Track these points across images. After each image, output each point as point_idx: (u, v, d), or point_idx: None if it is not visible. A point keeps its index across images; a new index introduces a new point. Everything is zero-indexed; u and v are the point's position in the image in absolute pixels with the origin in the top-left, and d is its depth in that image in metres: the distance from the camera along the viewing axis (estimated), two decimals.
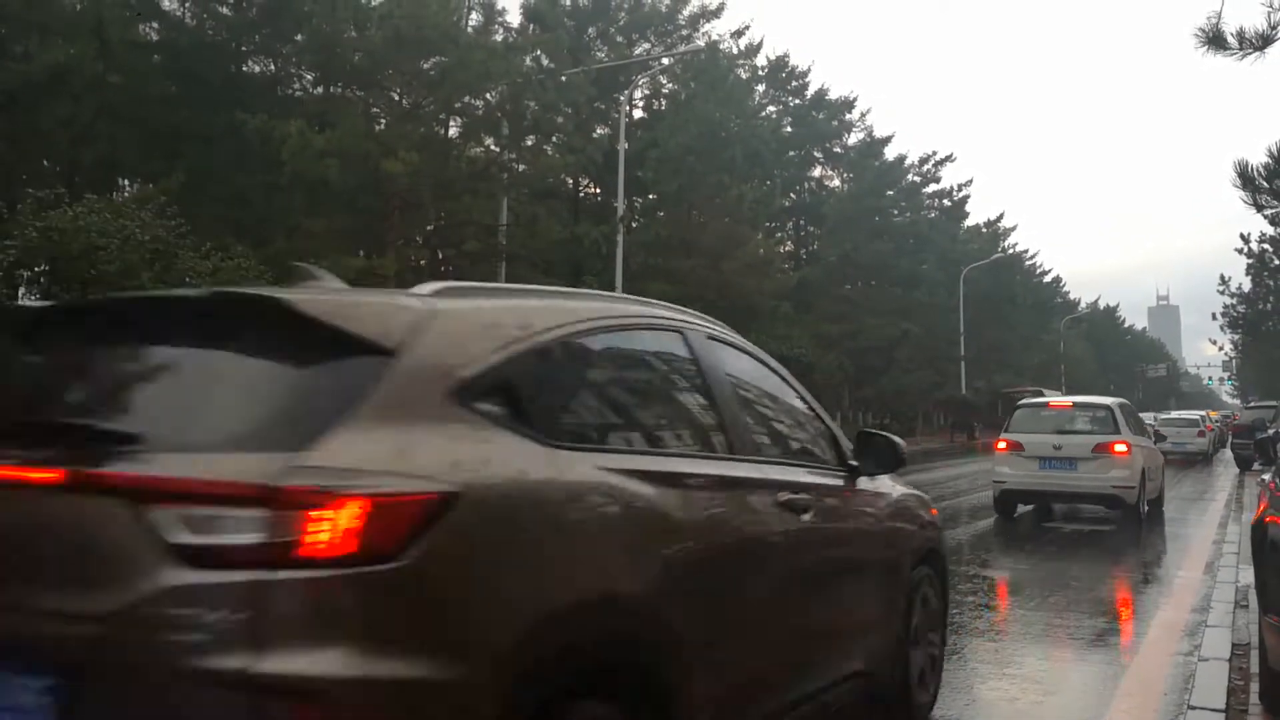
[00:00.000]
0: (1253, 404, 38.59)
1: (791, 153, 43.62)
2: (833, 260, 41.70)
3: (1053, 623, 6.64)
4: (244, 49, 24.95)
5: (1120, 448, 12.39)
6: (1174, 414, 36.08)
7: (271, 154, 18.73)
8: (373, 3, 20.62)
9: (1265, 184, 9.32)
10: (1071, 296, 78.85)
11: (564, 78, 24.08)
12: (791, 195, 43.99)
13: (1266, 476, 6.60)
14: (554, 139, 24.94)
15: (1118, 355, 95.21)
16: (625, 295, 3.53)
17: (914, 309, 41.59)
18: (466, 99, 21.59)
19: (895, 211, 45.13)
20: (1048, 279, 66.52)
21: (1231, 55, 6.94)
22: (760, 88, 42.52)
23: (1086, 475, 12.42)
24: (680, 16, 35.31)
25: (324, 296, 2.31)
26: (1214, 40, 6.94)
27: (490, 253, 22.45)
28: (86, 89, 18.75)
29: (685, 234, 29.93)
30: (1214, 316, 37.69)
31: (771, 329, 29.71)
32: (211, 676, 1.76)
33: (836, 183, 47.50)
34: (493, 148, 22.31)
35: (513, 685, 2.02)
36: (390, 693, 1.85)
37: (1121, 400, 14.47)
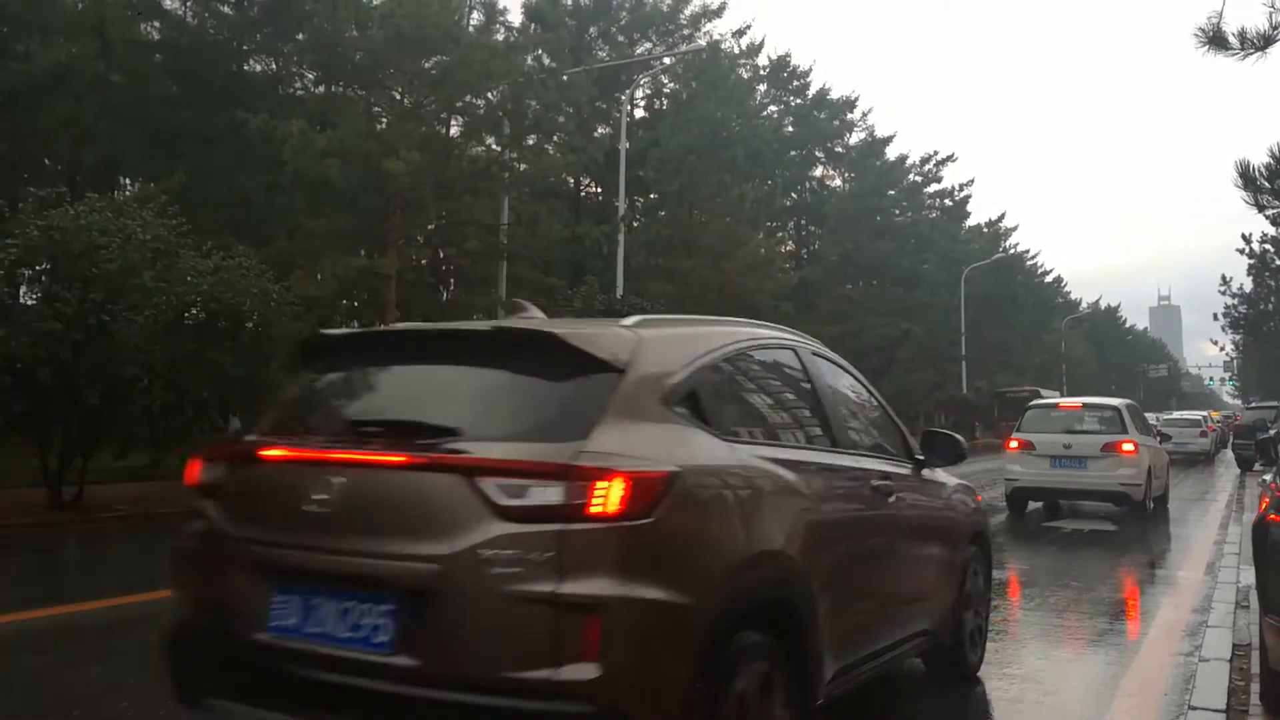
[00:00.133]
0: (1254, 404, 38.58)
1: (793, 152, 43.63)
2: (834, 260, 41.69)
3: (1053, 622, 6.65)
4: (245, 48, 24.92)
5: (1128, 447, 13.06)
6: (1176, 414, 36.18)
7: (273, 153, 18.72)
8: (374, 2, 20.58)
9: (1266, 184, 9.33)
10: (1073, 296, 78.77)
11: (565, 77, 24.05)
12: (793, 195, 44.02)
13: (1268, 477, 6.60)
14: (555, 138, 24.92)
15: (1119, 355, 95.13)
16: (753, 320, 4.25)
17: (915, 309, 41.57)
18: (468, 98, 21.57)
19: (896, 211, 45.11)
20: (1049, 279, 66.43)
21: (1233, 55, 6.93)
22: (762, 87, 42.53)
23: (1095, 473, 13.10)
24: (682, 16, 35.32)
25: (577, 330, 3.12)
26: (1215, 40, 6.93)
27: (491, 252, 22.45)
28: (88, 88, 18.73)
29: (686, 233, 29.93)
30: (1215, 317, 37.61)
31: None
32: (528, 597, 2.51)
33: (838, 182, 47.51)
34: (494, 147, 22.29)
35: (714, 611, 2.79)
36: (643, 608, 2.60)
37: (1128, 401, 15.01)
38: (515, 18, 30.52)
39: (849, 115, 46.32)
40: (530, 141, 23.12)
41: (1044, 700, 4.99)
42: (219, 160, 21.20)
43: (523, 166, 22.26)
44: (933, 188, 49.50)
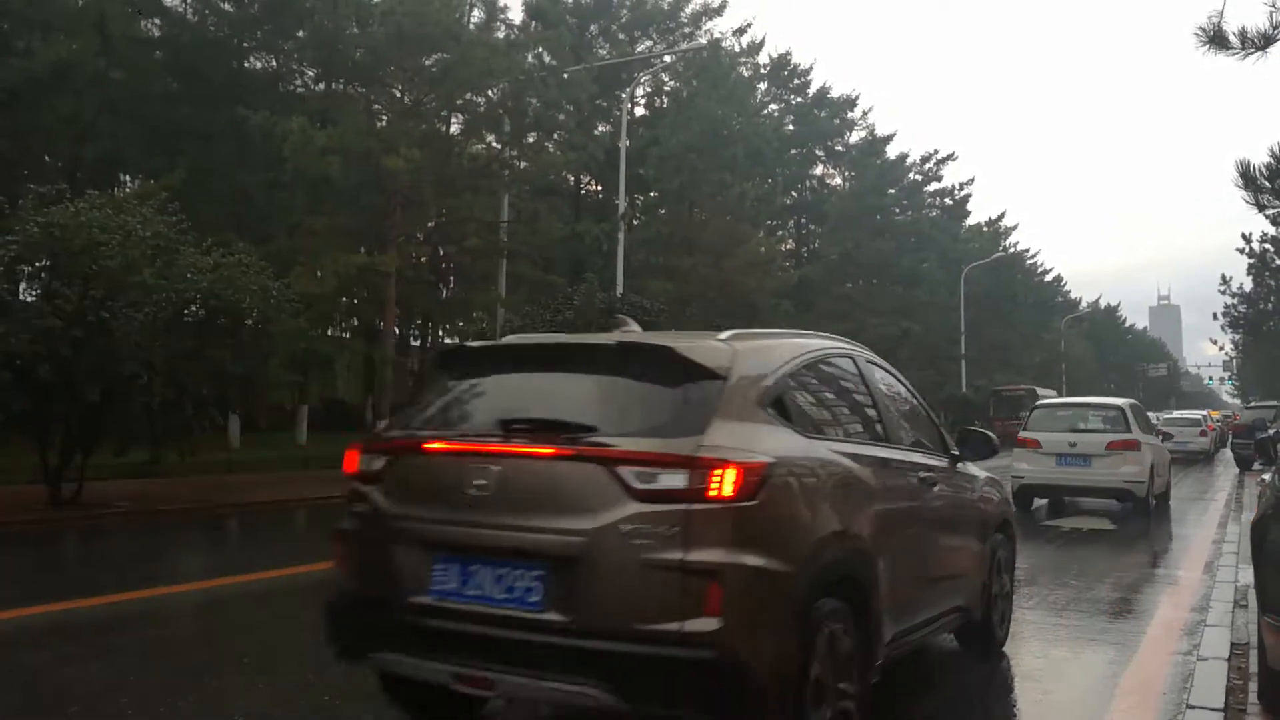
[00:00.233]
0: (1253, 404, 38.57)
1: (793, 151, 43.57)
2: (834, 259, 41.68)
3: (1052, 621, 6.65)
4: (246, 45, 24.91)
5: (1131, 445, 13.46)
6: (1176, 414, 36.21)
7: (273, 150, 18.71)
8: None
9: (1267, 184, 9.33)
10: (1072, 296, 78.79)
11: (566, 75, 24.05)
12: (793, 193, 43.98)
13: (1267, 476, 6.61)
14: (555, 136, 24.92)
15: (1118, 355, 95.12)
16: (818, 332, 4.87)
17: (915, 308, 41.58)
18: (468, 96, 21.56)
19: (896, 210, 45.11)
20: (1049, 278, 66.50)
21: (1233, 55, 6.92)
22: (762, 86, 42.48)
23: (1100, 471, 13.51)
24: (682, 14, 35.28)
25: (685, 342, 3.64)
26: (1215, 40, 6.92)
27: (491, 249, 22.44)
28: (88, 85, 18.73)
29: (686, 232, 29.93)
30: (1215, 316, 37.53)
31: (773, 327, 29.62)
32: (660, 564, 3.06)
33: (838, 181, 47.47)
34: (494, 145, 22.28)
35: (805, 578, 3.35)
36: (753, 573, 3.15)
37: (1132, 401, 15.39)
38: (516, 15, 30.59)
39: (849, 114, 46.30)
40: (531, 139, 23.12)
41: (1042, 699, 5.00)
42: (219, 157, 21.20)
43: (523, 164, 22.25)
44: (933, 186, 49.55)
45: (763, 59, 41.70)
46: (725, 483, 3.13)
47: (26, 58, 17.78)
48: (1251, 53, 6.87)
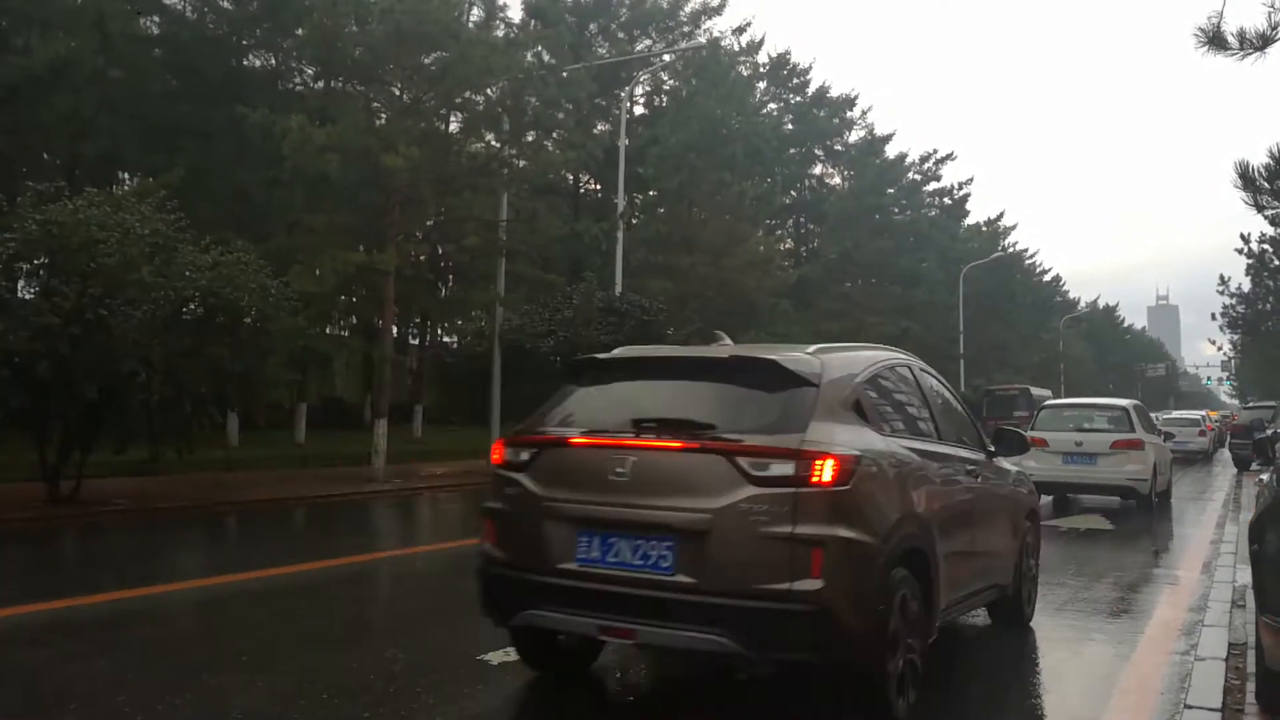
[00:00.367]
0: (1251, 404, 38.57)
1: (792, 150, 43.58)
2: (833, 258, 41.64)
3: (1050, 621, 6.65)
4: (245, 43, 24.86)
5: (1135, 445, 13.99)
6: (1175, 414, 36.31)
7: (272, 149, 18.66)
8: None
9: (1266, 184, 9.33)
10: (1071, 295, 78.72)
11: (565, 74, 23.98)
12: (792, 193, 43.97)
13: (1265, 476, 6.62)
14: (555, 135, 24.86)
15: (1117, 355, 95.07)
16: (883, 345, 5.69)
17: (914, 307, 41.55)
18: (467, 94, 21.49)
19: (895, 209, 45.04)
20: (1047, 278, 66.44)
21: (1232, 55, 6.92)
22: (761, 85, 42.50)
23: (1105, 469, 14.03)
24: (682, 13, 35.28)
25: (783, 354, 4.37)
26: (1214, 40, 6.92)
27: (490, 248, 22.37)
28: (87, 83, 18.69)
29: (685, 231, 29.88)
30: (1213, 316, 37.48)
31: (771, 326, 29.68)
32: (773, 536, 3.79)
33: (837, 180, 47.45)
34: (493, 143, 22.21)
35: (886, 550, 4.04)
36: (848, 544, 3.86)
37: (1136, 402, 15.95)
38: (515, 14, 30.58)
39: (848, 113, 46.30)
40: (530, 138, 23.05)
41: (1041, 698, 5.01)
42: (218, 155, 21.16)
43: (522, 163, 22.18)
44: (932, 186, 49.51)
45: (762, 58, 41.77)
46: (825, 471, 3.84)
47: (25, 55, 17.73)
48: (1250, 53, 6.87)
